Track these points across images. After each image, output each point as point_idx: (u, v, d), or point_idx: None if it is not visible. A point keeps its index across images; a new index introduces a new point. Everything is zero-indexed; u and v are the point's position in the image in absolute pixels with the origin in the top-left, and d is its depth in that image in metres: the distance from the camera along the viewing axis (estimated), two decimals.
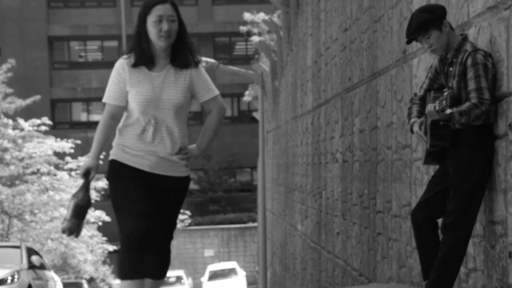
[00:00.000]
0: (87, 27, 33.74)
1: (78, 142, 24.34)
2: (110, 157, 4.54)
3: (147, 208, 4.38)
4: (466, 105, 4.10)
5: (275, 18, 22.35)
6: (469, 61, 4.12)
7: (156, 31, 4.38)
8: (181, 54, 4.46)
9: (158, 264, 4.50)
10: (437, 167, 4.51)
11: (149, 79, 4.44)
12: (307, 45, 13.01)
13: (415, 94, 4.60)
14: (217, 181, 34.39)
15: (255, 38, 25.43)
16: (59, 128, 32.98)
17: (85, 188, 4.49)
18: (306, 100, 13.04)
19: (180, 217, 29.47)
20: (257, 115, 25.31)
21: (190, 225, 32.21)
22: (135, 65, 4.44)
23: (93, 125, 34.17)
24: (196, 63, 4.53)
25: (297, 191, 14.32)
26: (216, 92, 4.65)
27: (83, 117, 35.40)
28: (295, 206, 14.57)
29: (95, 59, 35.06)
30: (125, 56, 4.50)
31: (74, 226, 4.47)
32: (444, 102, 4.13)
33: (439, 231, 4.35)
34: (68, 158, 24.01)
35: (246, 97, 29.93)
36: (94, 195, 23.17)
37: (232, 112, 35.20)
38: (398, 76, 6.28)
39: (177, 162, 4.56)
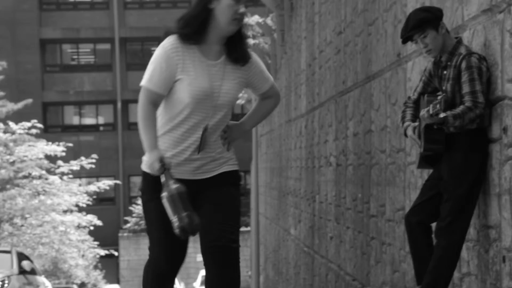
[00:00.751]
0: (80, 30, 33.69)
1: (70, 145, 24.28)
2: (143, 168, 3.93)
3: (178, 241, 3.82)
4: (460, 109, 4.08)
5: (269, 21, 22.35)
6: (463, 64, 4.10)
7: (231, 12, 3.80)
8: (239, 46, 3.89)
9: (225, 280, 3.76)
10: (431, 171, 4.48)
11: (206, 68, 3.80)
12: (301, 48, 12.99)
13: (409, 98, 4.57)
14: None
15: (249, 41, 25.43)
16: (51, 132, 32.90)
17: (169, 178, 3.74)
18: (300, 104, 13.02)
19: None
20: None
21: None
22: (187, 39, 3.76)
23: (85, 128, 34.13)
24: (249, 58, 3.97)
25: (291, 195, 14.29)
26: (271, 78, 4.19)
27: (75, 120, 35.33)
28: (288, 210, 14.54)
29: (88, 62, 35.01)
30: (174, 37, 3.79)
31: (190, 220, 3.68)
32: (438, 105, 4.11)
33: (433, 236, 4.32)
34: (60, 162, 23.93)
35: (240, 100, 29.91)
36: (85, 199, 23.08)
37: None
38: (392, 79, 6.26)
39: (224, 157, 3.98)
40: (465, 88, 4.08)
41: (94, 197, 23.84)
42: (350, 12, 8.25)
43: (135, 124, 34.23)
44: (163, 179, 3.73)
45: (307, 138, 11.89)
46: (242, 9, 3.84)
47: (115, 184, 25.81)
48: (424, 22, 4.12)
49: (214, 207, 3.85)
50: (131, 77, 33.80)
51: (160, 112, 3.88)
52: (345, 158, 8.38)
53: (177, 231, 3.64)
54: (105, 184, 23.97)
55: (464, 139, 4.12)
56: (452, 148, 4.16)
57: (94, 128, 34.22)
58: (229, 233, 3.79)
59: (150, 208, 3.90)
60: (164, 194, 3.70)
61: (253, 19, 25.74)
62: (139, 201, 29.69)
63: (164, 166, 3.74)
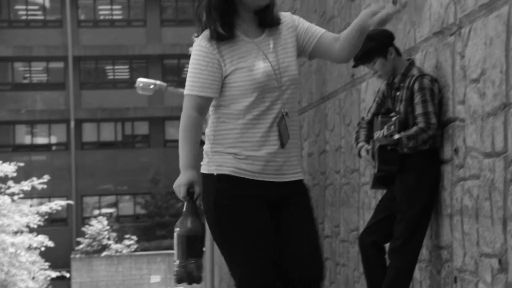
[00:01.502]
0: (32, 48, 33.33)
1: (22, 165, 23.89)
2: (206, 171, 3.20)
3: (272, 250, 3.10)
4: (413, 130, 4.11)
5: None
6: (416, 86, 4.14)
7: None
8: (267, 13, 3.26)
9: None
10: (385, 191, 4.50)
11: (256, 47, 3.18)
12: None
13: (363, 118, 4.60)
14: (164, 205, 34.11)
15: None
16: (1, 151, 32.38)
17: (192, 212, 3.15)
18: None
19: (126, 242, 29.08)
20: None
21: (136, 250, 31.83)
22: (224, 33, 3.15)
23: (37, 148, 33.67)
24: (279, 19, 3.31)
25: None
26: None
27: (27, 139, 34.84)
28: None
29: (40, 81, 34.62)
30: (205, 34, 3.21)
31: (193, 269, 3.14)
32: (392, 127, 4.14)
33: (386, 256, 4.33)
34: (10, 183, 23.49)
35: None
36: (37, 220, 22.73)
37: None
38: (346, 100, 6.30)
39: (295, 160, 3.28)
40: (418, 110, 4.12)
41: (46, 217, 23.46)
42: None
43: (89, 143, 33.89)
44: (185, 209, 3.15)
45: None
46: None
47: (68, 204, 25.44)
48: (371, 52, 4.17)
49: (300, 229, 3.16)
50: (85, 96, 33.51)
51: (218, 120, 3.22)
52: None
53: (174, 275, 3.16)
54: (57, 204, 23.62)
55: (417, 160, 4.15)
56: (405, 169, 4.19)
57: (46, 147, 33.79)
58: (319, 267, 3.17)
59: (226, 224, 3.10)
60: (178, 230, 3.12)
61: None
62: (93, 222, 29.26)
63: (191, 194, 3.12)
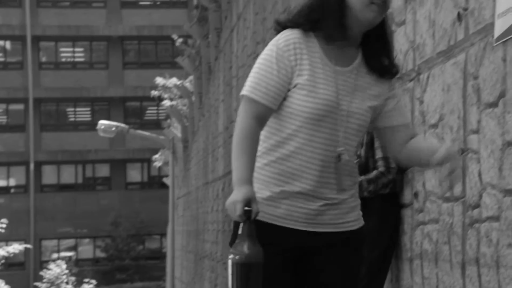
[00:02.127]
0: None
1: None
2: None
3: None
4: (373, 174, 4.15)
5: (187, 84, 22.46)
6: None
7: None
8: (380, 51, 2.66)
9: None
10: None
11: (332, 75, 2.60)
12: (219, 110, 13.07)
13: None
14: (125, 248, 33.70)
15: (167, 103, 25.47)
16: None
17: (249, 234, 2.52)
18: (217, 166, 13.01)
19: (85, 286, 28.59)
20: (167, 180, 25.12)
21: None
22: (329, 38, 2.60)
23: None
24: (398, 70, 2.74)
25: (207, 258, 14.14)
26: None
27: None
28: (205, 274, 14.37)
29: (0, 123, 34.25)
30: (287, 34, 2.61)
31: None
32: None
33: None
34: None
35: (157, 163, 29.73)
36: None
37: (142, 178, 34.82)
38: None
39: (353, 201, 2.76)
40: (378, 154, 4.17)
41: (3, 262, 22.98)
42: None
43: (49, 186, 33.46)
44: (240, 231, 2.53)
45: (224, 201, 11.84)
46: None
47: (26, 248, 24.98)
48: None
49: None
50: (45, 138, 33.20)
51: (265, 133, 2.65)
52: None
53: None
54: (15, 248, 23.18)
55: (377, 203, 4.19)
56: (366, 213, 4.21)
57: (4, 190, 33.28)
58: None
59: (257, 268, 2.49)
60: (232, 257, 2.51)
61: (171, 82, 25.81)
62: (51, 266, 28.78)
63: (249, 214, 2.49)
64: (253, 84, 2.60)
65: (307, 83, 2.57)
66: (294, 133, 2.59)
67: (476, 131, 3.26)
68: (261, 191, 2.61)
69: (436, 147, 2.64)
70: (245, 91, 2.60)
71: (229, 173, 11.36)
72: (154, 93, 26.73)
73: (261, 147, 2.62)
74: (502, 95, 3.04)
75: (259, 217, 2.52)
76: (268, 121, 2.62)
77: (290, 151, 2.59)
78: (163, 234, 33.21)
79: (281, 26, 2.66)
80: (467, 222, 3.35)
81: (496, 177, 3.07)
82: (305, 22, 2.61)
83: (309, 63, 2.59)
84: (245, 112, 2.59)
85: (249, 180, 2.53)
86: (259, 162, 2.62)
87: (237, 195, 2.50)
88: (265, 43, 8.59)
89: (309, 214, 2.59)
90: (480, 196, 3.22)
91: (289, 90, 2.60)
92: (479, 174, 3.21)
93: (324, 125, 2.59)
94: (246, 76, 10.62)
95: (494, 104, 3.11)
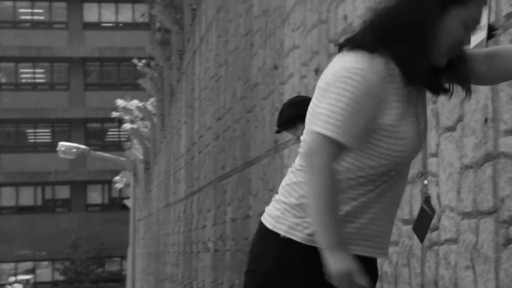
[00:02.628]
0: None
1: None
2: (300, 239, 2.11)
3: None
4: None
5: (149, 106, 22.39)
6: None
7: (457, 36, 2.08)
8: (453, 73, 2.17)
9: None
10: None
11: (413, 109, 2.14)
12: (181, 132, 13.05)
13: None
14: (84, 271, 33.30)
15: (128, 125, 25.35)
16: None
17: None
18: (179, 188, 12.97)
19: None
20: (128, 202, 24.94)
21: None
22: (413, 82, 2.10)
23: None
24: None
25: (168, 281, 14.04)
26: None
27: None
28: None
29: None
30: (380, 60, 2.06)
31: None
32: None
33: None
34: None
35: (118, 184, 29.50)
36: None
37: (103, 200, 34.51)
38: (270, 166, 6.37)
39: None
40: None
41: None
42: (229, 99, 8.41)
43: (7, 208, 32.91)
44: None
45: (186, 223, 11.81)
46: (468, 38, 2.18)
47: None
48: (293, 118, 4.26)
49: None
50: (4, 159, 32.77)
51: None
52: (223, 244, 8.36)
53: None
54: None
55: None
56: None
57: None
58: None
59: None
60: None
61: (132, 103, 25.72)
62: None
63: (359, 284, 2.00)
64: (331, 120, 2.02)
65: (393, 123, 2.08)
66: (367, 175, 2.12)
67: (435, 155, 3.32)
68: None
69: None
70: (320, 128, 2.02)
71: (190, 194, 11.35)
72: (115, 114, 26.60)
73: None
74: (460, 119, 3.11)
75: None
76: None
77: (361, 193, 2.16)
78: (123, 257, 32.90)
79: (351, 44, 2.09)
80: (426, 245, 3.39)
81: (455, 200, 3.12)
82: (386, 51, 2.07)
83: (394, 99, 2.08)
84: (326, 154, 2.02)
85: (342, 242, 2.03)
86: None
87: (342, 263, 1.99)
88: (227, 65, 8.65)
89: None
90: (439, 219, 3.26)
91: (370, 129, 2.07)
92: (438, 197, 3.27)
93: (398, 164, 2.14)
94: (208, 98, 10.74)
95: (452, 128, 3.17)
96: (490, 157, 2.83)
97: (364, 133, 2.07)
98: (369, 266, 2.13)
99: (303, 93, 5.38)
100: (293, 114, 4.28)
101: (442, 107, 3.25)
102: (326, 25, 4.89)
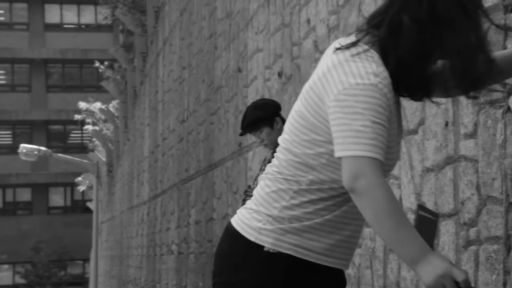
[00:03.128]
0: None
1: None
2: (288, 251, 2.01)
3: None
4: None
5: (111, 108, 22.25)
6: None
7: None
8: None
9: None
10: None
11: (397, 121, 2.06)
12: (144, 135, 12.99)
13: (249, 186, 4.67)
14: (46, 274, 32.95)
15: (91, 127, 25.16)
16: None
17: None
18: (143, 191, 12.91)
19: None
20: (91, 205, 24.74)
21: None
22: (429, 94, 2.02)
23: None
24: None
25: (131, 284, 13.96)
26: None
27: None
28: None
29: None
30: (385, 70, 1.94)
31: None
32: None
33: None
34: None
35: (80, 186, 29.27)
36: None
37: (65, 202, 34.18)
38: (233, 168, 6.38)
39: None
40: None
41: None
42: (193, 102, 8.40)
43: None
44: None
45: (149, 225, 11.76)
46: None
47: None
48: (257, 121, 4.28)
49: None
50: None
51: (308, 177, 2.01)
52: (187, 246, 8.34)
53: None
54: None
55: None
56: None
57: None
58: None
59: None
60: None
61: (94, 106, 25.53)
62: None
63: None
64: (368, 141, 1.88)
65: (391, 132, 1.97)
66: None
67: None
68: None
69: None
70: (363, 151, 1.87)
71: (154, 197, 11.29)
72: (78, 117, 26.40)
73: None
74: (421, 122, 3.15)
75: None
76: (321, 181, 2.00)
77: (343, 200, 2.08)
78: (86, 260, 32.62)
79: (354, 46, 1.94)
80: (389, 247, 3.43)
81: (416, 202, 3.16)
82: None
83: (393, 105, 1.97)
84: (375, 175, 1.86)
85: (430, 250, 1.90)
86: None
87: (440, 267, 1.84)
88: (191, 68, 8.64)
89: None
90: None
91: None
92: (400, 200, 3.30)
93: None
94: (172, 101, 10.70)
95: (414, 132, 3.21)
96: (451, 160, 2.88)
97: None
98: (340, 277, 2.09)
99: (266, 96, 5.40)
100: (257, 117, 4.30)
101: (404, 110, 3.29)
102: (289, 29, 4.91)
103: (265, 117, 4.33)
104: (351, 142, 1.87)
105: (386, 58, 1.93)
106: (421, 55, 1.91)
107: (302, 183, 1.98)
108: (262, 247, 2.01)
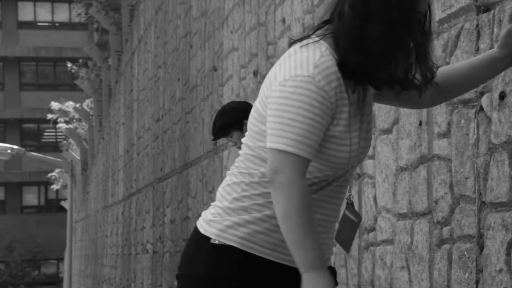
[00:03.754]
0: None
1: None
2: (232, 243, 1.96)
3: None
4: None
5: (86, 106, 22.12)
6: None
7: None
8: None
9: None
10: None
11: (355, 112, 1.99)
12: (119, 134, 12.93)
13: None
14: (19, 274, 32.68)
15: (64, 126, 24.99)
16: None
17: None
18: (118, 190, 12.85)
19: None
20: (65, 204, 24.58)
21: None
22: (389, 82, 1.94)
23: None
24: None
25: (106, 283, 13.90)
26: None
27: None
28: None
29: None
30: (330, 60, 1.88)
31: None
32: None
33: None
34: None
35: (54, 185, 29.08)
36: None
37: (39, 201, 33.92)
38: (209, 167, 6.37)
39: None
40: None
41: None
42: (169, 100, 8.38)
43: None
44: None
45: (124, 224, 11.71)
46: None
47: None
48: (225, 126, 4.27)
49: None
50: None
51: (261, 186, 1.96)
52: (162, 245, 8.33)
53: None
54: None
55: None
56: None
57: None
58: None
59: None
60: None
61: (67, 105, 25.36)
62: None
63: None
64: (294, 136, 1.86)
65: (342, 130, 1.94)
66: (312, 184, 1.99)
67: (372, 157, 3.38)
68: None
69: (488, 53, 2.09)
70: (284, 145, 1.85)
71: (129, 196, 11.25)
72: (50, 116, 26.22)
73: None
74: (395, 122, 3.17)
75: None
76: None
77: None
78: (60, 259, 32.42)
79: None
80: (363, 245, 3.45)
81: (391, 201, 3.19)
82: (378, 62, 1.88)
83: (344, 102, 1.92)
84: (293, 173, 1.85)
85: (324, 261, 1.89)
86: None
87: (325, 284, 1.84)
88: (166, 66, 8.61)
89: None
90: (376, 220, 3.32)
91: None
92: (375, 199, 3.32)
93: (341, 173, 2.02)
94: (147, 99, 10.66)
95: (388, 131, 3.23)
96: (425, 159, 2.90)
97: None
98: (295, 276, 1.94)
99: (242, 95, 5.40)
100: (225, 123, 4.28)
101: (379, 109, 3.31)
102: (264, 28, 4.92)
103: (232, 122, 4.30)
104: (278, 135, 1.85)
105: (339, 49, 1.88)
106: (364, 44, 1.86)
107: (255, 176, 1.95)
108: (209, 239, 1.98)
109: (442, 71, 2.09)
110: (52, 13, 33.72)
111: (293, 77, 1.87)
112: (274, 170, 1.85)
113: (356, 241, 3.52)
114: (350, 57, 1.87)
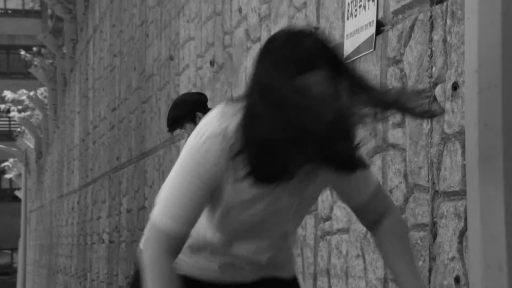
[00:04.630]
0: None
1: None
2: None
3: None
4: None
5: (40, 95, 21.82)
6: None
7: None
8: None
9: None
10: None
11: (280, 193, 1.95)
12: (75, 123, 12.80)
13: None
14: None
15: (18, 114, 24.63)
16: None
17: None
18: (73, 179, 12.73)
19: None
20: (19, 193, 24.26)
21: None
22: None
23: None
24: None
25: (61, 273, 13.78)
26: None
27: None
28: None
29: None
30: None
31: None
32: None
33: None
34: None
35: (8, 175, 28.67)
36: None
37: None
38: (166, 157, 6.35)
39: None
40: None
41: None
42: (125, 89, 8.32)
43: None
44: None
45: (80, 214, 11.62)
46: None
47: None
48: (177, 119, 4.25)
49: None
50: None
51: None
52: (118, 235, 8.28)
53: None
54: None
55: None
56: None
57: None
58: None
59: None
60: None
61: (20, 93, 25.00)
62: None
63: None
64: (170, 211, 1.81)
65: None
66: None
67: None
68: None
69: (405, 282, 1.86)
70: (160, 222, 1.79)
71: (85, 185, 11.16)
72: (4, 106, 25.81)
73: None
74: None
75: None
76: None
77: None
78: (14, 249, 32.01)
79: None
80: (319, 235, 3.48)
81: None
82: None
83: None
84: (159, 251, 1.81)
85: None
86: None
87: None
88: (122, 55, 8.54)
89: None
90: (331, 209, 3.36)
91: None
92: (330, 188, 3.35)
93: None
94: (102, 88, 10.57)
95: None
96: (380, 149, 2.93)
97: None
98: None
99: (198, 84, 5.40)
100: (176, 116, 4.26)
101: None
102: (221, 17, 4.91)
103: (184, 114, 4.28)
104: (158, 203, 1.80)
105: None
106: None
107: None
108: None
109: (384, 234, 1.88)
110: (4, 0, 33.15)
111: (190, 139, 1.83)
112: (144, 241, 1.82)
113: (312, 230, 3.55)
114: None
